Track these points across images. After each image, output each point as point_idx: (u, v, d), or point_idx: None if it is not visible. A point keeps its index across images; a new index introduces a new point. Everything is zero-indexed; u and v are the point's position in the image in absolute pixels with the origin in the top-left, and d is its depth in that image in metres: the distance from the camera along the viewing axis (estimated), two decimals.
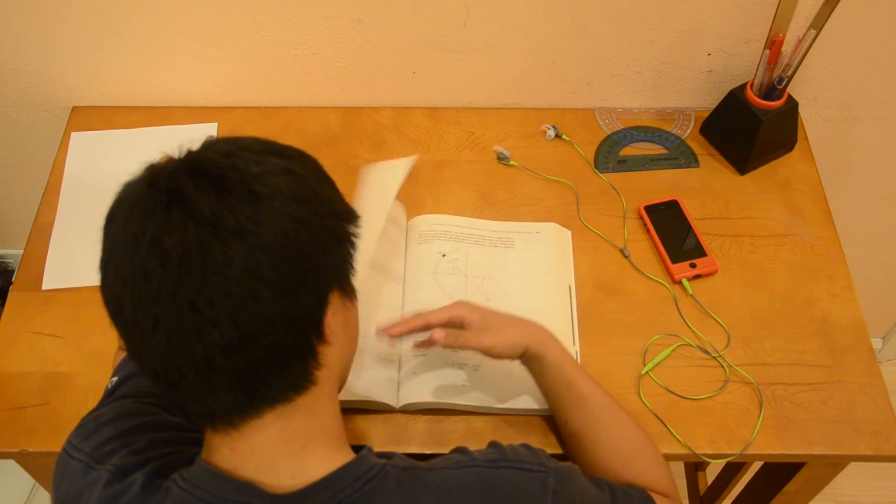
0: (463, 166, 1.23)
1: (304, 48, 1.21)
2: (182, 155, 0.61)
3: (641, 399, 1.00)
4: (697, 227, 1.15)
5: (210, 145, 0.62)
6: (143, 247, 0.57)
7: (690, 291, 1.09)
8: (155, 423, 0.73)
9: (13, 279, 1.11)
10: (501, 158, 1.22)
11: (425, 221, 1.14)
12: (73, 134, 1.26)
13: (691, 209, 1.17)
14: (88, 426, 0.72)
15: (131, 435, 0.70)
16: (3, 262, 1.74)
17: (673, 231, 1.14)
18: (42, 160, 1.37)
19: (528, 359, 0.92)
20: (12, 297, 1.09)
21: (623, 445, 0.88)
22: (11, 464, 1.02)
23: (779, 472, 1.15)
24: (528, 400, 0.97)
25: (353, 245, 0.66)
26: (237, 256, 0.56)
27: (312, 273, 0.61)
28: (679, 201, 1.17)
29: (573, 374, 0.90)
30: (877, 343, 1.88)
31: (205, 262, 0.56)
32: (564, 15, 1.16)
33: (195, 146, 0.62)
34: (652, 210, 1.16)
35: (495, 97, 1.29)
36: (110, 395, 0.80)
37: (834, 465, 1.05)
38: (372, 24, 1.18)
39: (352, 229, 0.66)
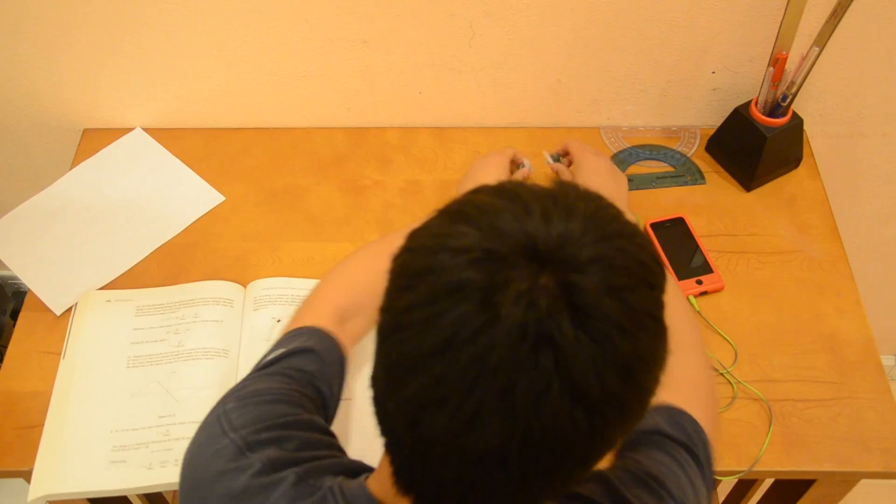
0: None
1: (311, 70, 1.23)
2: (557, 265, 0.49)
3: None
4: (704, 244, 1.15)
5: (589, 262, 0.49)
6: (487, 384, 0.48)
7: (697, 308, 1.08)
8: (307, 422, 0.72)
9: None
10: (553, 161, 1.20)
11: (260, 286, 1.11)
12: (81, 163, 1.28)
13: (697, 226, 1.17)
14: (249, 404, 0.71)
15: (287, 429, 0.69)
16: (16, 284, 1.76)
17: (679, 248, 1.14)
18: (53, 182, 1.39)
19: None
20: (23, 316, 1.10)
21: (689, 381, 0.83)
22: (21, 482, 1.03)
23: (789, 490, 1.14)
24: None
25: None
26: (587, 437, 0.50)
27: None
28: (685, 218, 1.17)
29: None
30: (889, 360, 1.86)
31: (555, 435, 0.49)
32: (569, 34, 1.17)
33: (569, 248, 0.50)
34: (658, 227, 1.16)
35: (501, 116, 1.30)
36: (271, 363, 0.78)
37: (844, 482, 1.04)
38: (378, 45, 1.19)
39: None
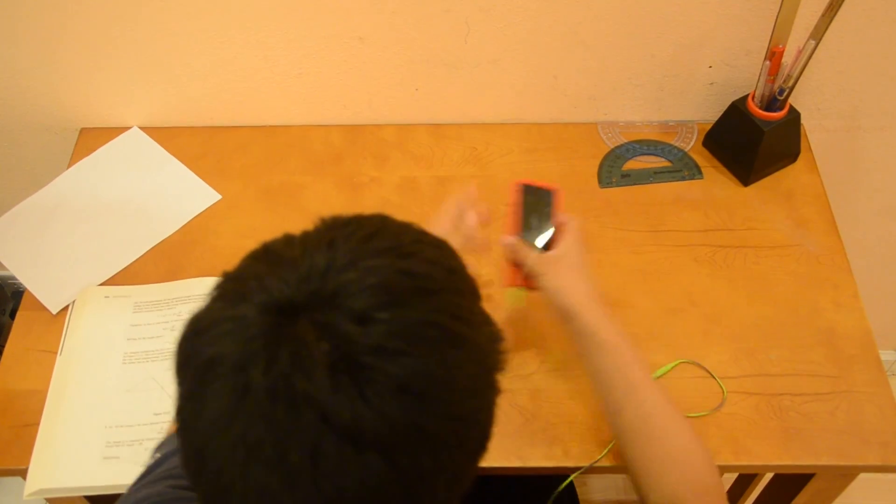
0: (466, 182, 1.23)
1: (306, 67, 1.23)
2: (304, 297, 0.46)
3: None
4: (694, 238, 1.14)
5: (332, 296, 0.46)
6: (260, 456, 0.44)
7: (695, 302, 1.08)
8: None
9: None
10: None
11: None
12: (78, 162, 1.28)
13: (695, 221, 1.17)
14: None
15: None
16: (15, 284, 1.76)
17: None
18: (50, 182, 1.39)
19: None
20: (20, 315, 1.10)
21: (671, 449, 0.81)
22: (19, 481, 1.03)
23: (789, 485, 1.14)
24: None
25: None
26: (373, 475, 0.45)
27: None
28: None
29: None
30: (890, 355, 1.85)
31: (357, 493, 0.44)
32: (564, 30, 1.17)
33: (314, 275, 0.47)
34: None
35: (498, 113, 1.30)
36: (152, 470, 0.75)
37: (843, 476, 1.04)
38: (373, 42, 1.19)
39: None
